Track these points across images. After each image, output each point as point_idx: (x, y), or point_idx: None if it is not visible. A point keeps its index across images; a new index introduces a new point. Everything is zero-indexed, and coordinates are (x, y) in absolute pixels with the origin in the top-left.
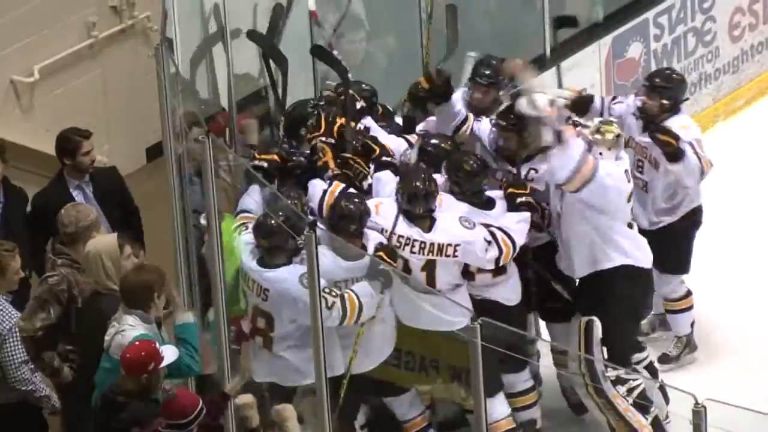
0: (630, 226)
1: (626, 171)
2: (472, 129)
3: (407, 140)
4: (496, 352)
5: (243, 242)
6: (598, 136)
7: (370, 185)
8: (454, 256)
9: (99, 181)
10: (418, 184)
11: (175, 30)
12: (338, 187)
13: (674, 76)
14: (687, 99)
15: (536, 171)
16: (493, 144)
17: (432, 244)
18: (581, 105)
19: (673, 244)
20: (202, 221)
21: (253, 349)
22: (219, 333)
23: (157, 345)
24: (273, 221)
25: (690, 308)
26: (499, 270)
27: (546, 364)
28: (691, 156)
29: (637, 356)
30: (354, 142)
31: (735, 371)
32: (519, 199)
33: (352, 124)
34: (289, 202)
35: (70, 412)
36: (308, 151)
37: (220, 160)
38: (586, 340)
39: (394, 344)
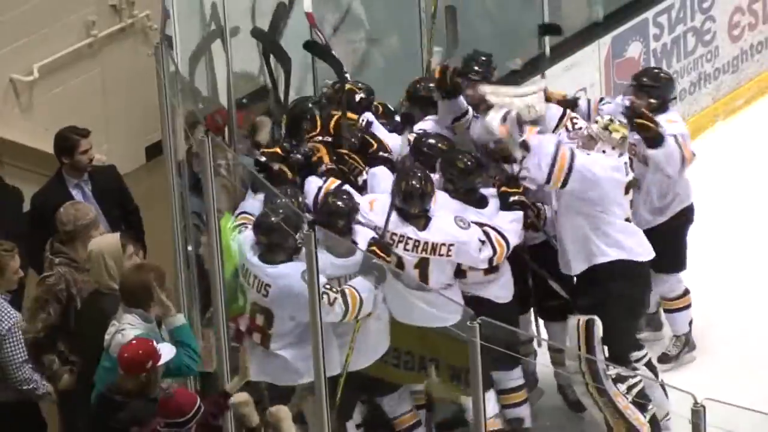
0: (628, 220)
1: (625, 163)
2: (469, 125)
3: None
4: (489, 350)
5: (244, 238)
6: (605, 133)
7: (365, 181)
8: (448, 255)
9: (98, 179)
10: (414, 183)
11: (174, 29)
12: (333, 183)
13: (662, 75)
14: (675, 98)
15: (528, 170)
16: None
17: (426, 242)
18: (566, 108)
19: (667, 243)
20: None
21: (250, 347)
22: (218, 332)
23: (154, 343)
24: (273, 218)
25: (688, 307)
26: (491, 268)
27: (544, 362)
28: (671, 143)
29: (635, 354)
30: (351, 139)
31: (734, 370)
32: (512, 198)
33: (354, 116)
34: (289, 200)
35: (69, 411)
36: (307, 149)
37: (219, 159)
38: (587, 339)
39: (388, 341)
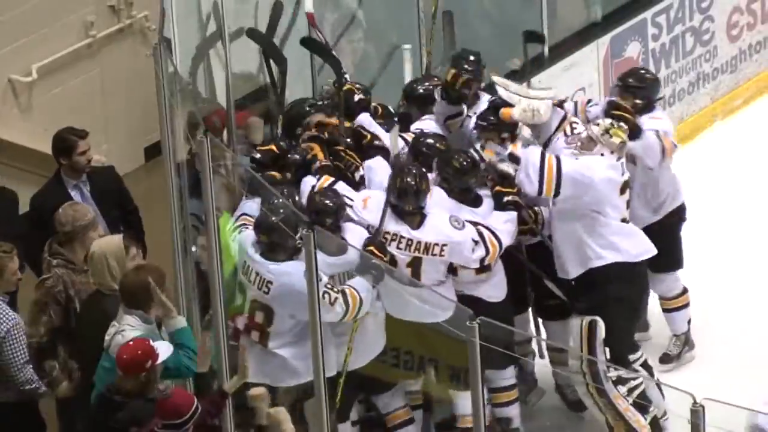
0: (625, 221)
1: (621, 163)
2: (462, 124)
3: (404, 139)
4: (489, 350)
5: (245, 236)
6: (605, 137)
7: (362, 176)
8: (441, 255)
9: (96, 180)
10: (409, 180)
11: (173, 29)
12: (326, 181)
13: (647, 76)
14: (661, 98)
15: (520, 184)
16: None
17: (419, 242)
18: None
19: (662, 242)
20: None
21: (248, 346)
22: (217, 332)
23: (151, 342)
24: (274, 218)
25: (686, 306)
26: (483, 267)
27: (543, 362)
28: (649, 136)
29: (632, 356)
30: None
31: (734, 370)
32: (506, 198)
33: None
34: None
35: (68, 412)
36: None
37: (219, 159)
38: (589, 341)
39: (385, 340)
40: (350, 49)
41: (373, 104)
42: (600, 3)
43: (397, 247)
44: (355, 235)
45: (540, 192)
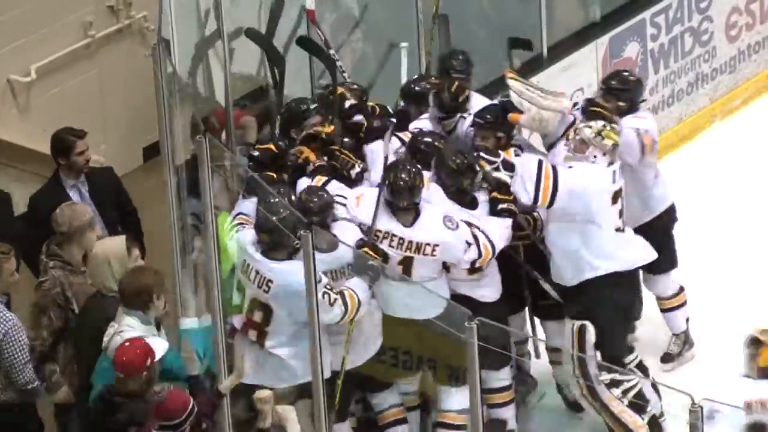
0: (619, 230)
1: (614, 171)
2: (456, 125)
3: (400, 138)
4: (488, 351)
5: (244, 235)
6: (597, 139)
7: (357, 174)
8: (432, 254)
9: (95, 181)
10: (403, 176)
11: (172, 30)
12: (320, 181)
13: (630, 78)
14: (644, 100)
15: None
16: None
17: (411, 241)
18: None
19: (655, 244)
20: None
21: (245, 346)
22: (215, 332)
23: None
24: (274, 218)
25: (684, 304)
26: (475, 268)
27: (543, 362)
28: (627, 133)
29: (626, 358)
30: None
31: (733, 370)
32: (501, 206)
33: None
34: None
35: (65, 413)
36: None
37: (217, 159)
38: (579, 345)
39: (381, 339)
40: (349, 48)
41: (370, 104)
42: (599, 3)
43: (389, 245)
44: (346, 232)
45: (535, 202)
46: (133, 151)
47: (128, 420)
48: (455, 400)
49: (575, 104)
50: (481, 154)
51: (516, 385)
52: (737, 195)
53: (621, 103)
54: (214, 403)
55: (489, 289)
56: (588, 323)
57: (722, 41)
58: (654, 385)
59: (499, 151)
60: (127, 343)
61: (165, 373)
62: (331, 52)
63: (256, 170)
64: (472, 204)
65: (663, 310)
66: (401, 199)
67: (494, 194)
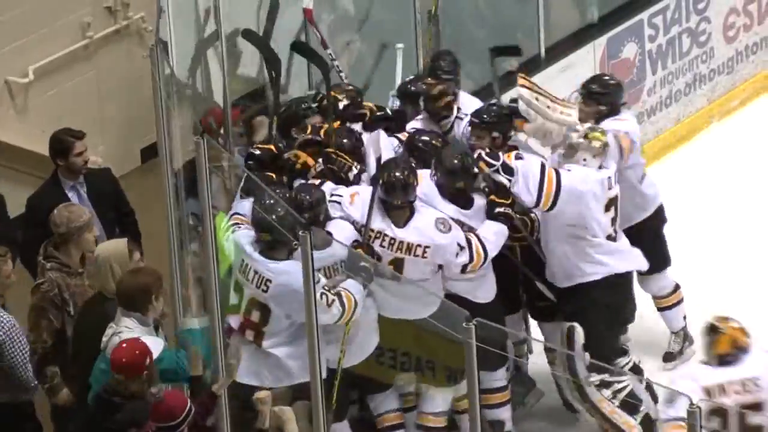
0: (611, 238)
1: (609, 178)
2: (452, 125)
3: (398, 138)
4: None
5: (241, 236)
6: (585, 142)
7: (355, 176)
8: (423, 256)
9: (92, 182)
10: (397, 174)
11: (169, 31)
12: (315, 181)
13: (610, 82)
14: (625, 103)
15: (517, 195)
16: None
17: (401, 242)
18: (511, 122)
19: (646, 245)
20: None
21: (241, 346)
22: (213, 332)
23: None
24: (274, 216)
25: (680, 302)
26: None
27: (541, 363)
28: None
29: (620, 360)
30: (344, 140)
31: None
32: (498, 209)
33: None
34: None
35: (61, 414)
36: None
37: (215, 160)
38: (568, 347)
39: (377, 338)
40: (347, 49)
41: (368, 104)
42: (596, 4)
43: (380, 245)
44: (339, 230)
45: (537, 204)
46: (131, 153)
47: (127, 420)
48: (434, 402)
49: None
50: (482, 155)
51: (514, 385)
52: (735, 195)
53: (602, 107)
54: (207, 404)
55: (483, 290)
56: (576, 325)
57: (720, 42)
58: (650, 387)
59: (500, 154)
60: (124, 344)
61: (164, 374)
62: (329, 52)
63: (256, 169)
64: (466, 205)
65: (660, 309)
66: (395, 197)
67: (492, 197)
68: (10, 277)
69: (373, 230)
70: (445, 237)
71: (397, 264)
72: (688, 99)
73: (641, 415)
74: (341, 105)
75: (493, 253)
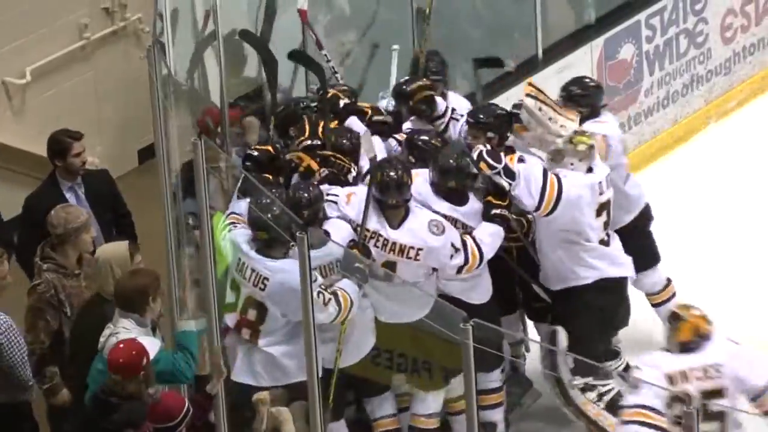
0: (604, 242)
1: (600, 182)
2: (447, 125)
3: (396, 139)
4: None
5: (238, 234)
6: (570, 146)
7: (355, 177)
8: (416, 259)
9: (90, 183)
10: (391, 173)
11: (167, 31)
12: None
13: (590, 84)
14: (605, 105)
15: (518, 198)
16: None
17: (394, 243)
18: (506, 122)
19: (633, 245)
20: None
21: (236, 344)
22: (211, 332)
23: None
24: (270, 215)
25: (673, 296)
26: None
27: (538, 363)
28: None
29: (612, 363)
30: (344, 141)
31: None
32: (494, 210)
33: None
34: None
35: (57, 414)
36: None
37: (213, 161)
38: (551, 350)
39: (374, 338)
40: (342, 50)
41: (365, 105)
42: (594, 5)
43: (374, 245)
44: (336, 230)
45: (538, 208)
46: (128, 153)
47: (124, 421)
48: (425, 404)
49: None
50: (484, 156)
51: (511, 386)
52: (732, 196)
53: (582, 109)
54: (202, 404)
55: (478, 292)
56: (560, 328)
57: (717, 43)
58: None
59: (502, 156)
60: (121, 345)
61: (160, 375)
62: (324, 53)
63: (254, 170)
64: (460, 202)
65: (654, 305)
66: (390, 196)
67: (489, 198)
68: (6, 278)
69: (368, 230)
70: (438, 239)
71: (390, 266)
72: (685, 100)
73: None
74: (342, 102)
75: (488, 255)
